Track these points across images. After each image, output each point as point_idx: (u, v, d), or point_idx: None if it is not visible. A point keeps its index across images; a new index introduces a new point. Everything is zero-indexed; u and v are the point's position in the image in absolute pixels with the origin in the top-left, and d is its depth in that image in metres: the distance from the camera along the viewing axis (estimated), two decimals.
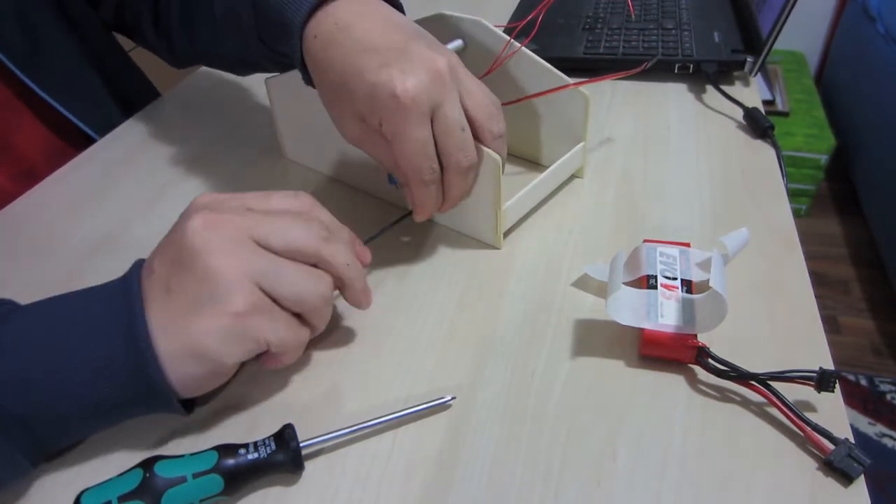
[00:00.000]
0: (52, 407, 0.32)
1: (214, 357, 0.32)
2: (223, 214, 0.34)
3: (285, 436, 0.33)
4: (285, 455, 0.33)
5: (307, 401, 0.38)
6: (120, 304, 0.33)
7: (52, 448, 0.35)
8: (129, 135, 0.64)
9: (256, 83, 0.73)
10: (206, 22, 0.55)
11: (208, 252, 0.32)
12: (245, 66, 0.58)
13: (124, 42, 0.70)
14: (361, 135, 0.41)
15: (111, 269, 0.48)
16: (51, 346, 0.32)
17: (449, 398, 0.37)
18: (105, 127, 0.64)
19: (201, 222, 0.33)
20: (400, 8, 0.45)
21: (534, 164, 0.56)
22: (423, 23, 0.51)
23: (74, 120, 0.61)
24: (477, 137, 0.41)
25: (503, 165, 0.43)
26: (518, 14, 0.84)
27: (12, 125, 0.58)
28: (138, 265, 0.35)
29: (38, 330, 0.33)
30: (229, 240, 0.33)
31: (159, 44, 0.63)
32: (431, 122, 0.38)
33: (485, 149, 0.42)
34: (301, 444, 0.33)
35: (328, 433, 0.34)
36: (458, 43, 0.50)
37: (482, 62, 0.52)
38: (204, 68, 0.77)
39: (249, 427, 0.36)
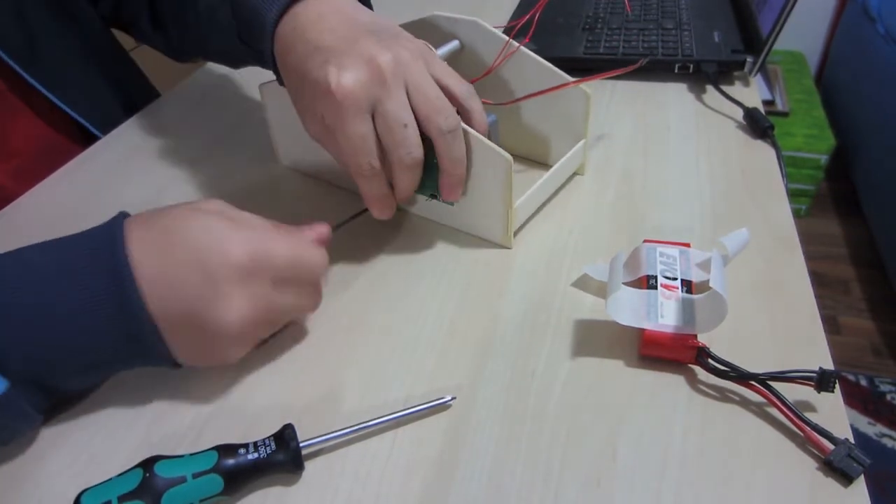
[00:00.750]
0: (49, 354, 0.33)
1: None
2: (260, 296, 0.35)
3: (285, 436, 0.33)
4: (285, 455, 0.33)
5: (307, 401, 0.38)
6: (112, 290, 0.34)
7: (58, 395, 0.36)
8: (129, 135, 0.65)
9: (257, 83, 0.73)
10: (194, 19, 0.56)
11: (235, 337, 0.35)
12: (236, 62, 0.59)
13: (125, 41, 0.70)
14: (319, 133, 0.41)
15: None
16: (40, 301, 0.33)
17: (449, 398, 0.37)
18: (105, 123, 0.64)
19: (243, 314, 0.34)
20: (367, 3, 0.45)
21: (532, 162, 0.56)
22: (418, 24, 0.51)
23: (73, 114, 0.61)
24: (424, 132, 0.40)
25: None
26: (518, 14, 0.84)
27: (8, 120, 0.58)
28: (121, 220, 0.35)
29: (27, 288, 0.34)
30: (255, 317, 0.35)
31: (156, 39, 0.64)
32: (374, 117, 0.39)
33: (496, 148, 0.42)
34: (301, 444, 0.33)
35: (328, 433, 0.34)
36: (454, 44, 0.50)
37: (480, 63, 0.52)
38: (203, 68, 0.77)
39: (249, 427, 0.36)
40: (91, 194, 0.56)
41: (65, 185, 0.58)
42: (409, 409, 0.36)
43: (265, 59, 0.44)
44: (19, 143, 0.59)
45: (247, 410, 0.37)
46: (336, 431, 0.34)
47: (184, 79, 0.74)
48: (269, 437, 0.33)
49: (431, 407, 0.36)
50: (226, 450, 0.32)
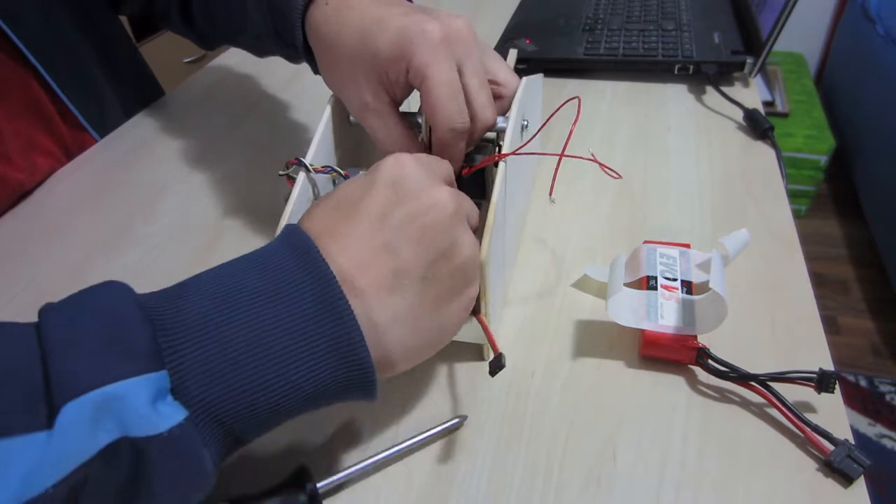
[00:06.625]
0: (255, 395, 0.26)
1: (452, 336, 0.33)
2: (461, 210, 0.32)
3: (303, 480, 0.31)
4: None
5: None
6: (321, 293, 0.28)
7: (234, 446, 0.28)
8: (132, 134, 0.65)
9: (257, 83, 0.73)
10: (224, 11, 0.54)
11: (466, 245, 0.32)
12: (263, 53, 0.57)
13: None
14: (372, 101, 0.38)
15: (112, 269, 0.48)
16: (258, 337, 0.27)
17: (457, 420, 0.36)
18: (107, 126, 0.64)
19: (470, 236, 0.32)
20: None
21: None
22: None
23: (81, 118, 0.61)
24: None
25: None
26: (519, 14, 0.84)
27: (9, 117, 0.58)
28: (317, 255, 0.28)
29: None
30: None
31: (188, 32, 0.63)
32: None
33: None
34: (318, 486, 0.32)
35: (344, 470, 0.33)
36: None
37: None
38: (207, 67, 0.77)
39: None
40: (94, 192, 0.56)
41: (67, 183, 0.58)
42: (420, 434, 0.35)
43: (296, 46, 0.42)
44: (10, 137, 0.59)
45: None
46: (352, 468, 0.33)
47: (186, 78, 0.74)
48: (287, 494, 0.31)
49: (442, 431, 0.35)
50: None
